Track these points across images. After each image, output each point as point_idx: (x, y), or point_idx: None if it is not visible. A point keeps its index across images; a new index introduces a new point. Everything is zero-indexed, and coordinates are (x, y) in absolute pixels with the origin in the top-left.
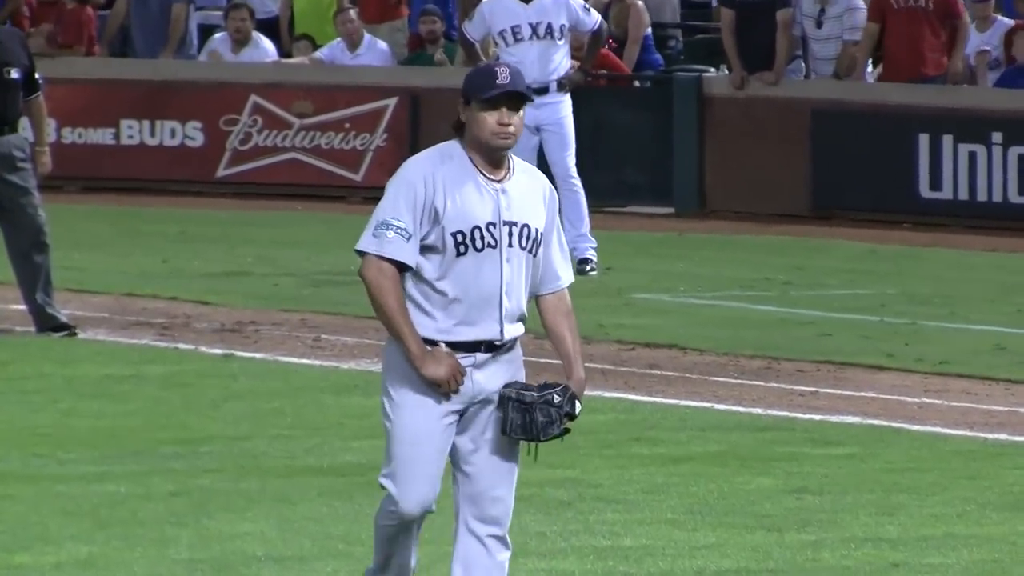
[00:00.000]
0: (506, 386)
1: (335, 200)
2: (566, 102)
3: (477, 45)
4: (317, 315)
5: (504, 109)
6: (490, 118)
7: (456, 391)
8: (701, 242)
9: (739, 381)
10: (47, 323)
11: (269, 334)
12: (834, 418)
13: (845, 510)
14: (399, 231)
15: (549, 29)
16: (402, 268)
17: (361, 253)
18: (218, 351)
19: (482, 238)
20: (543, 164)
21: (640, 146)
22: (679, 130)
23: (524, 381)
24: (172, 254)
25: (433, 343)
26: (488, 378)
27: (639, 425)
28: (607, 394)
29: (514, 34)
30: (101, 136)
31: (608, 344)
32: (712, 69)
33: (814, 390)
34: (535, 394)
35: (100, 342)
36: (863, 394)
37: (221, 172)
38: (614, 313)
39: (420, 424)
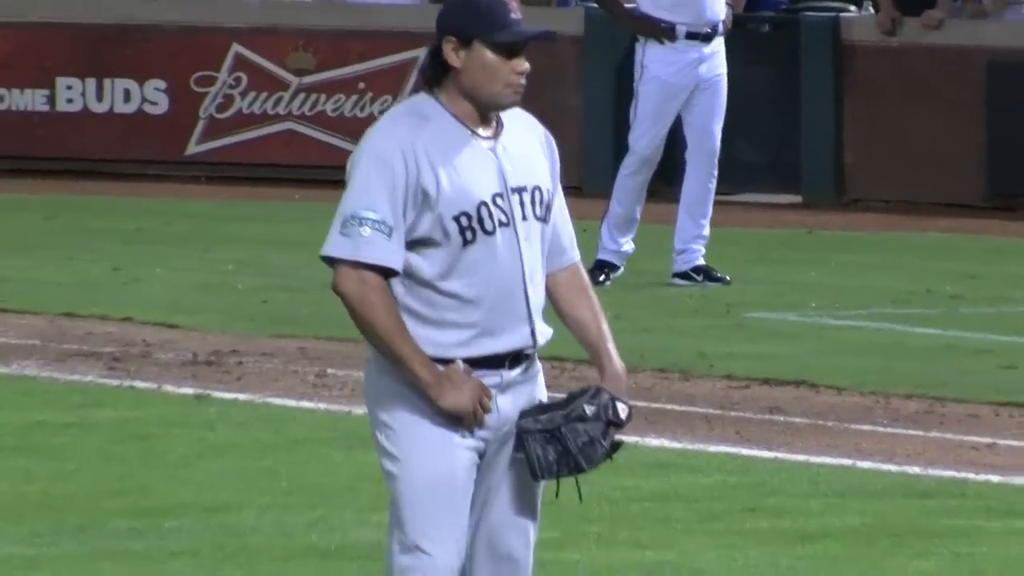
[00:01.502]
0: (521, 417)
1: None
2: (724, 52)
3: None
4: (320, 342)
5: (521, 55)
6: (504, 66)
7: (482, 423)
8: (839, 242)
9: (891, 430)
10: None
11: (257, 368)
12: (1019, 480)
13: None
14: (376, 226)
15: None
16: (387, 274)
17: (331, 260)
18: (189, 391)
19: (491, 216)
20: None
21: (756, 113)
22: (809, 91)
23: (541, 401)
24: (126, 260)
25: (445, 362)
26: (515, 403)
27: (756, 490)
28: (712, 448)
29: None
30: (30, 100)
31: (713, 381)
32: (853, 7)
33: (991, 442)
34: (559, 414)
35: (29, 379)
36: None
37: (192, 149)
38: (722, 339)
39: (440, 463)
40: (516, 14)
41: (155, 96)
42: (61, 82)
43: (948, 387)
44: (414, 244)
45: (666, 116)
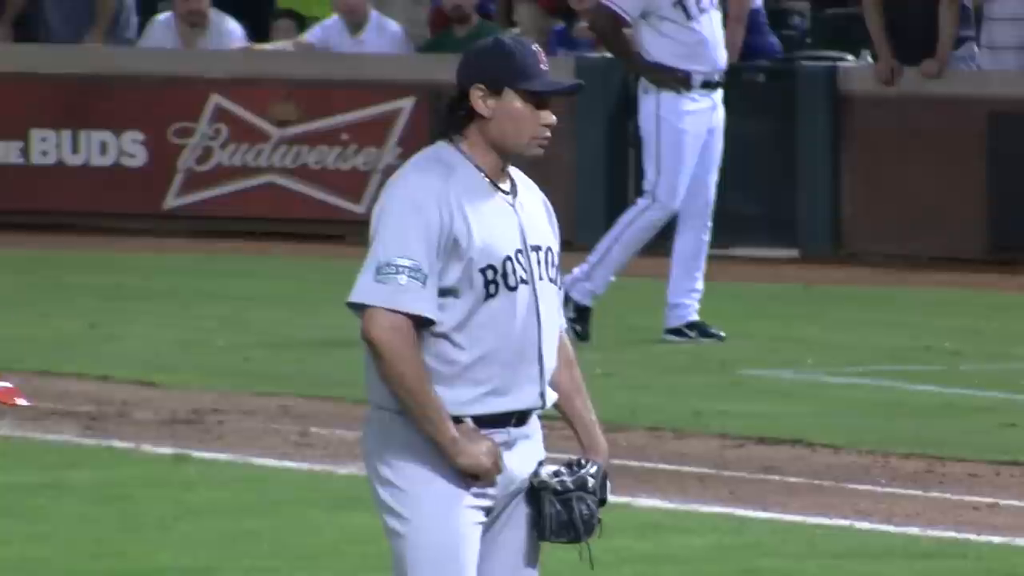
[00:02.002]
0: (535, 472)
1: (328, 240)
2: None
3: (629, 23)
4: (303, 400)
5: (549, 108)
6: (532, 116)
7: (493, 483)
8: (836, 297)
9: (889, 490)
10: None
11: (237, 426)
12: (1020, 541)
13: None
14: (413, 274)
15: None
16: (419, 324)
17: (361, 306)
18: (167, 451)
19: (514, 272)
20: (622, 198)
21: (752, 164)
22: (805, 142)
23: (543, 462)
24: (104, 316)
25: (456, 420)
26: (519, 461)
27: (750, 551)
28: (705, 508)
29: (698, 1)
30: (3, 152)
31: (707, 439)
32: (850, 57)
33: (993, 502)
34: (569, 479)
35: (3, 439)
36: None
37: (171, 202)
38: (716, 396)
39: (449, 525)
40: (546, 65)
41: (132, 148)
42: (35, 134)
43: (948, 446)
44: (439, 293)
45: (688, 165)
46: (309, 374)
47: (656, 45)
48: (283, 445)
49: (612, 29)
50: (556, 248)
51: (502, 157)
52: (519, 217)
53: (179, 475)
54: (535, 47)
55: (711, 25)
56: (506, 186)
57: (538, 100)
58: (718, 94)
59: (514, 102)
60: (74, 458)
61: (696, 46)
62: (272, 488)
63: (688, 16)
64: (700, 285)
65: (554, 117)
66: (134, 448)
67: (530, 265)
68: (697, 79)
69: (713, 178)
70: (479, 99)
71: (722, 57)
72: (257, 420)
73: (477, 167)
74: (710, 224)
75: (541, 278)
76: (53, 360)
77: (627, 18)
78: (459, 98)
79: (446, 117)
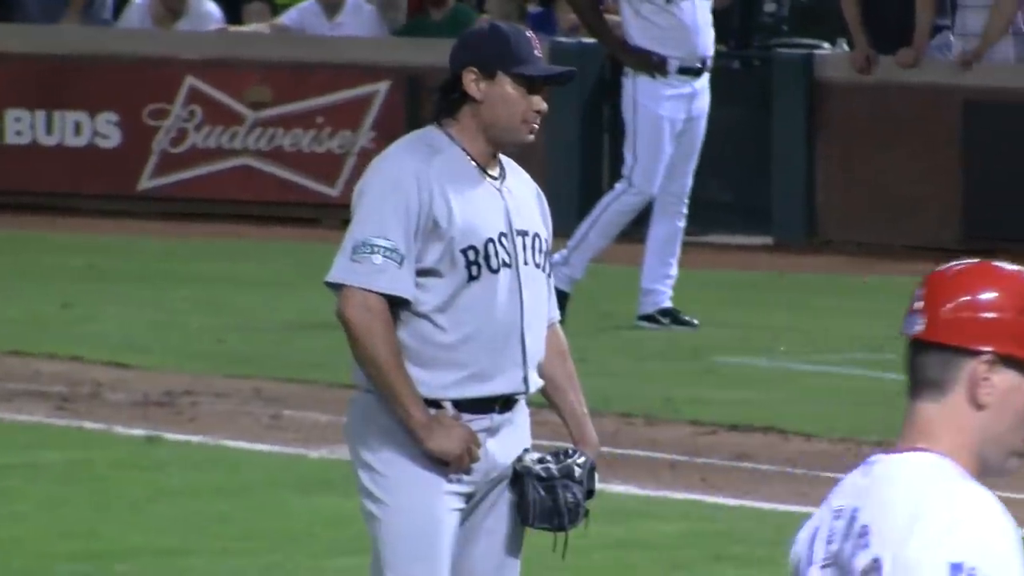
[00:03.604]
0: (520, 458)
1: (303, 223)
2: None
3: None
4: (276, 383)
5: (540, 94)
6: (524, 100)
7: (469, 469)
8: (810, 285)
9: None
10: None
11: (210, 408)
12: None
13: None
14: (388, 254)
15: None
16: (394, 303)
17: (337, 286)
18: (139, 432)
19: (496, 254)
20: (596, 185)
21: (726, 152)
22: (780, 130)
23: (530, 449)
24: (76, 296)
25: (435, 404)
26: (502, 447)
27: (722, 538)
28: (677, 495)
29: None
30: None
31: (680, 426)
32: (826, 45)
33: None
34: (554, 467)
35: None
36: None
37: (145, 183)
38: (689, 383)
39: (426, 510)
40: (540, 52)
41: (107, 129)
42: (9, 114)
43: None
44: (418, 274)
45: (665, 151)
46: (282, 357)
47: (635, 27)
48: (256, 427)
49: (589, 8)
50: (546, 236)
51: (492, 142)
52: (505, 201)
53: (151, 457)
54: (529, 33)
55: (693, 11)
56: (494, 171)
57: (530, 85)
58: (700, 81)
59: (506, 86)
60: (46, 439)
61: (674, 30)
62: (244, 470)
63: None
64: (674, 271)
65: (544, 104)
66: (106, 429)
67: (515, 249)
68: (674, 64)
69: (690, 167)
70: (472, 82)
71: (704, 44)
72: (230, 402)
73: (464, 150)
74: (686, 211)
75: (526, 263)
76: (26, 340)
77: None
78: (452, 81)
79: (438, 100)
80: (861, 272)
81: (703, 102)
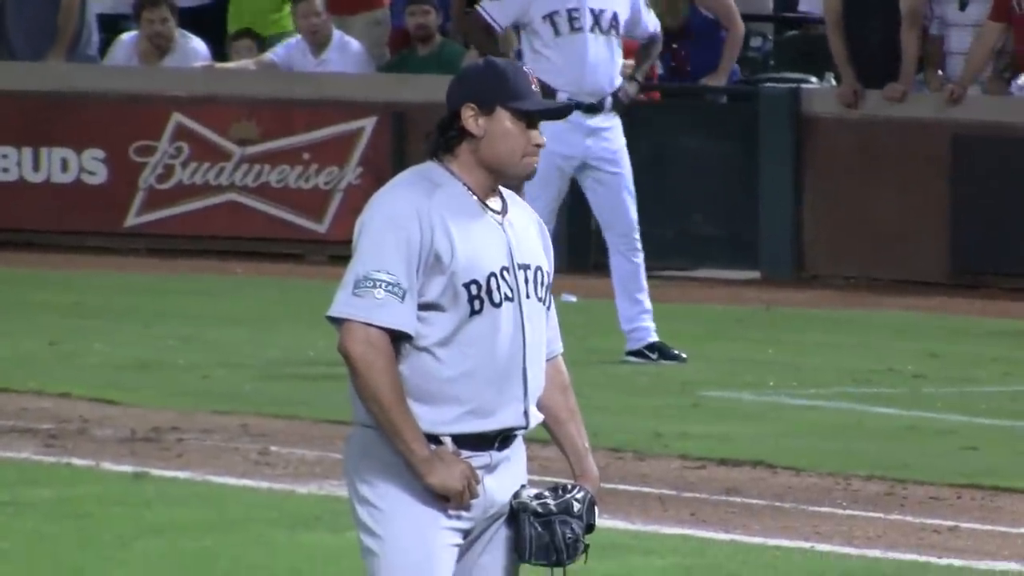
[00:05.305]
0: (516, 494)
1: (290, 259)
2: (620, 127)
3: (500, 34)
4: (263, 419)
5: (538, 128)
6: (522, 135)
7: (469, 506)
8: (798, 320)
9: (850, 512)
10: None
11: (197, 445)
12: (982, 564)
13: None
14: (390, 288)
15: (614, 21)
16: (396, 337)
17: (339, 320)
18: (127, 468)
19: (499, 288)
20: (581, 222)
21: (713, 187)
22: (767, 164)
23: (527, 486)
24: (63, 334)
25: (435, 440)
26: (501, 484)
27: (711, 573)
28: (666, 530)
29: (571, 20)
30: None
31: (668, 460)
32: (813, 79)
33: (954, 524)
34: (552, 503)
35: None
36: (1022, 531)
37: (132, 220)
38: (677, 418)
39: (426, 543)
40: (536, 87)
41: (93, 166)
42: None
43: (909, 469)
44: (420, 308)
45: (552, 185)
46: (269, 393)
47: (530, 59)
48: (243, 464)
49: (484, 38)
50: (548, 269)
51: (492, 177)
52: (507, 235)
53: (138, 493)
54: (526, 68)
55: (584, 46)
56: (495, 205)
57: (529, 120)
58: (598, 119)
59: (505, 121)
60: (33, 475)
61: (564, 66)
62: (231, 507)
63: (556, 33)
64: (648, 305)
65: (543, 139)
66: (93, 466)
67: (517, 283)
68: (562, 97)
69: (627, 204)
70: (470, 118)
71: (596, 81)
72: (217, 439)
73: (464, 185)
74: (639, 246)
75: (528, 296)
76: (12, 377)
77: (498, 28)
78: (450, 118)
79: (436, 138)
80: (849, 307)
81: (611, 140)
